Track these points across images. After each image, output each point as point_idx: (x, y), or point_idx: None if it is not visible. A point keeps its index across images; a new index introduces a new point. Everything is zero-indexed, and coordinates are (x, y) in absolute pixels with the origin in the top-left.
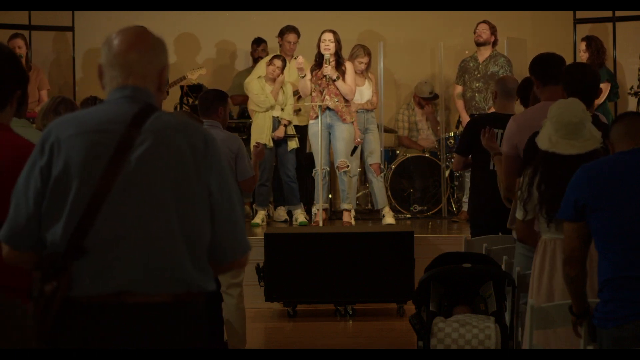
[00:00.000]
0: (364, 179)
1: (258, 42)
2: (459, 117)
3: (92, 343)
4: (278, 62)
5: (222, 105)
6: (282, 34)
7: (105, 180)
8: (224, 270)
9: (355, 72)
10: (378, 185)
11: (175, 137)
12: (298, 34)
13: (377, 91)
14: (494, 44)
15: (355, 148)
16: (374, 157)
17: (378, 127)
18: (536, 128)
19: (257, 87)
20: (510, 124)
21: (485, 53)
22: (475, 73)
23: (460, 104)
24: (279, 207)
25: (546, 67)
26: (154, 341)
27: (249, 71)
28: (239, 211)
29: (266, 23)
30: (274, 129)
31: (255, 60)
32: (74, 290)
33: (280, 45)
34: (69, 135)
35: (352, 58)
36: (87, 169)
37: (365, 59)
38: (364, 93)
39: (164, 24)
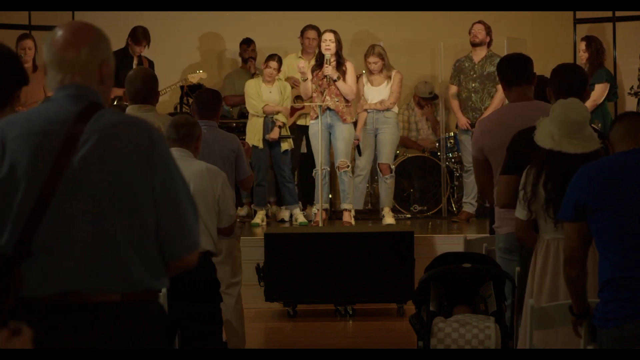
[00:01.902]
0: (376, 178)
1: (248, 42)
2: None
3: (43, 343)
4: (273, 64)
5: (221, 106)
6: (302, 32)
7: (50, 181)
8: (173, 270)
9: (373, 73)
10: (383, 186)
11: (119, 135)
12: (318, 31)
13: (396, 91)
14: (489, 44)
15: (358, 147)
16: (383, 157)
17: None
18: (501, 131)
19: (254, 89)
20: (475, 128)
21: (480, 53)
22: (471, 73)
23: (455, 104)
24: (281, 208)
25: (511, 68)
26: (104, 341)
27: (239, 72)
28: (187, 209)
29: (267, 23)
30: (268, 130)
31: (245, 61)
32: (23, 291)
33: (302, 45)
34: (14, 137)
35: (365, 58)
36: (32, 171)
37: (372, 59)
38: (377, 93)
39: (163, 24)
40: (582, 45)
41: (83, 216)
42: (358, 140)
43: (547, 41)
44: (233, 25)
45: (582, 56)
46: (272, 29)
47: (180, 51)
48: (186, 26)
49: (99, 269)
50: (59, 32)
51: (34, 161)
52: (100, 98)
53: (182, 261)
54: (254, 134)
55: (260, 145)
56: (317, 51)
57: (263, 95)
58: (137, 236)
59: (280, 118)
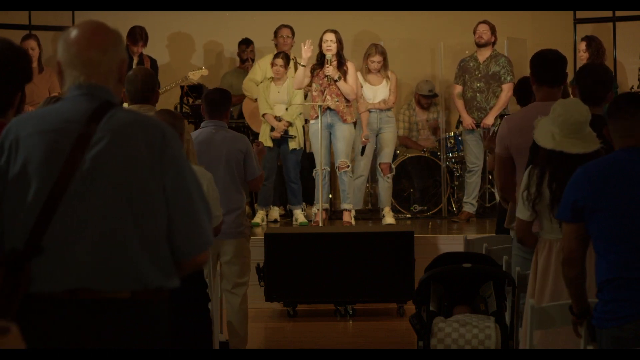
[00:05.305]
0: (372, 177)
1: (247, 43)
2: (459, 117)
3: (51, 339)
4: (279, 61)
5: (229, 105)
6: (275, 32)
7: (62, 179)
8: (184, 269)
9: (371, 72)
10: (384, 185)
11: (132, 134)
12: (291, 30)
13: (395, 90)
14: (494, 43)
15: (363, 148)
16: (384, 157)
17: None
18: (528, 130)
19: (261, 91)
20: (502, 125)
21: (485, 53)
22: (476, 73)
23: (460, 104)
24: (273, 207)
25: (545, 67)
26: (111, 338)
27: (236, 71)
28: (199, 208)
29: (267, 23)
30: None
31: (243, 61)
32: (33, 287)
33: (276, 45)
34: (28, 134)
35: (365, 57)
36: (45, 168)
37: (376, 58)
38: (377, 92)
39: (163, 24)
40: (582, 46)
41: (94, 214)
42: (368, 140)
43: (547, 41)
44: (234, 25)
45: (582, 56)
46: (271, 29)
47: (179, 51)
48: (185, 26)
49: (108, 267)
50: (78, 31)
51: (47, 159)
52: (114, 97)
53: (193, 260)
54: (265, 134)
55: (270, 144)
56: (290, 50)
57: (271, 95)
58: (148, 235)
59: (287, 118)
